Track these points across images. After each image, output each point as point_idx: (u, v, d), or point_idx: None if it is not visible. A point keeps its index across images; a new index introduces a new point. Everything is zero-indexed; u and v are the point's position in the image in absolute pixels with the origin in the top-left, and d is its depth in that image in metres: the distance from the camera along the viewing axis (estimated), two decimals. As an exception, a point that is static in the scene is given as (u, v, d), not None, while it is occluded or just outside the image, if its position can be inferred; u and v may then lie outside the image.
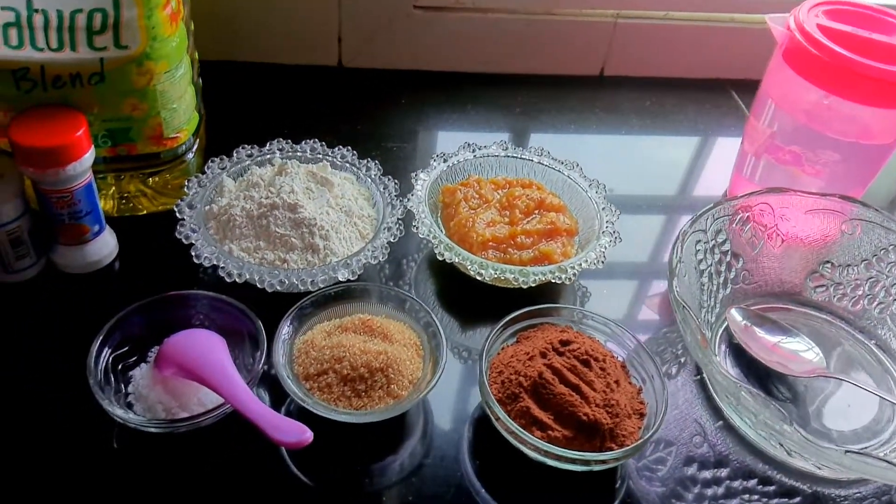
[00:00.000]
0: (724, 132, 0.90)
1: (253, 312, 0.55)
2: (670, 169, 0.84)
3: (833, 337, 0.65)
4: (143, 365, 0.55)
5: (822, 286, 0.66)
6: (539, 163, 0.72)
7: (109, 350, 0.53)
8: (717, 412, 0.59)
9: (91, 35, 0.56)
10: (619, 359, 0.58)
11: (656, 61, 0.94)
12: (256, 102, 0.85)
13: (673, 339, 0.64)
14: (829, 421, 0.59)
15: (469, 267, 0.61)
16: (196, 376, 0.51)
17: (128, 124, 0.61)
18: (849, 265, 0.64)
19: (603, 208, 0.68)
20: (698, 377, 0.61)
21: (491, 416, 0.53)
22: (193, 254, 0.59)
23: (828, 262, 0.65)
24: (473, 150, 0.72)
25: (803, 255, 0.65)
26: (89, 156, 0.57)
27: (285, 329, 0.55)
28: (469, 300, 0.65)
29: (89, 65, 0.57)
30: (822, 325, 0.65)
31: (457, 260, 0.62)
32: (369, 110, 0.86)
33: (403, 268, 0.68)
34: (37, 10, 0.54)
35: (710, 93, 0.94)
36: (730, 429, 0.58)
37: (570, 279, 0.62)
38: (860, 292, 0.64)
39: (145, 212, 0.68)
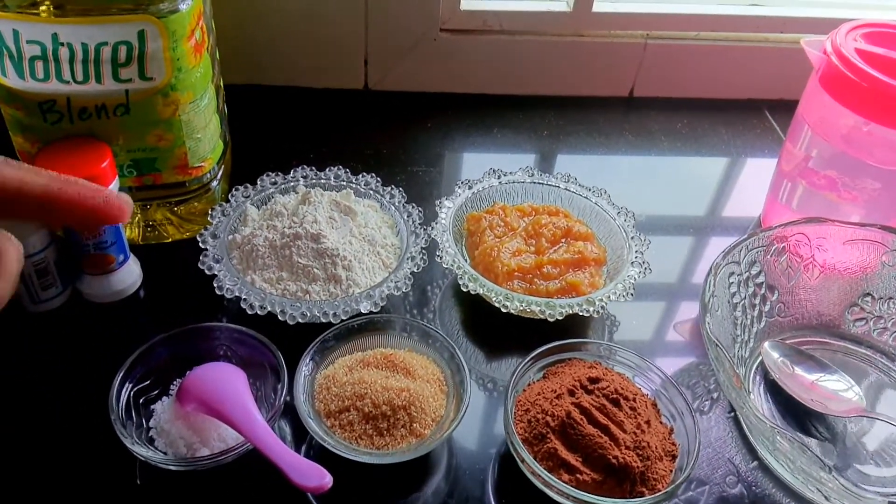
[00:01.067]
0: (758, 154, 0.87)
1: (274, 345, 0.55)
2: (702, 191, 0.82)
3: (873, 373, 0.62)
4: (165, 398, 0.54)
5: (861, 319, 0.63)
6: (566, 189, 0.71)
7: (131, 385, 0.53)
8: (751, 451, 0.57)
9: (116, 67, 0.56)
10: (649, 395, 0.56)
11: (687, 82, 0.92)
12: (283, 126, 0.84)
13: (705, 372, 0.62)
14: (870, 463, 0.56)
15: (494, 298, 0.60)
16: (216, 413, 0.50)
17: (153, 154, 0.61)
18: (890, 298, 0.62)
19: (632, 237, 0.66)
20: (732, 414, 0.59)
21: (516, 457, 0.51)
22: (216, 285, 0.59)
23: (868, 294, 0.63)
24: (499, 177, 0.71)
25: (842, 286, 0.63)
26: (113, 187, 0.57)
27: (305, 365, 0.54)
28: (496, 329, 0.64)
29: (115, 96, 0.57)
30: (862, 359, 0.63)
31: (481, 291, 0.60)
32: (395, 134, 0.85)
33: (429, 295, 0.66)
34: (62, 44, 0.54)
35: (744, 113, 0.92)
36: (765, 469, 0.55)
37: (597, 312, 0.60)
38: (902, 327, 0.62)
39: (171, 239, 0.68)
